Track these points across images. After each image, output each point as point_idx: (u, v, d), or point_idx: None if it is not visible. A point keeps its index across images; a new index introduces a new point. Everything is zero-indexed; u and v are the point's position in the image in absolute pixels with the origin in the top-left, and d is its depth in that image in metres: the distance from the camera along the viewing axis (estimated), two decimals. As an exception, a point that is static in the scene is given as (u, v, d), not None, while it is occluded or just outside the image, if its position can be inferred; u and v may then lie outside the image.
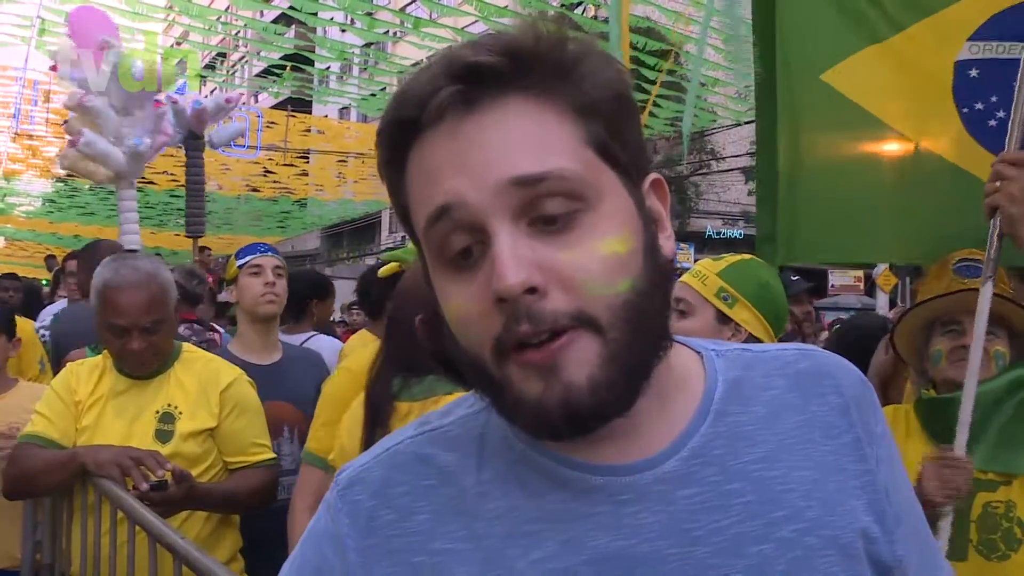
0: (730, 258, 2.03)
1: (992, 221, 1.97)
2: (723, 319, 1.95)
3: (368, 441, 1.85)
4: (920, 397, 2.10)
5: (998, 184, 1.93)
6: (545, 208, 0.66)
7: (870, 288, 12.71)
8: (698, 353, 0.81)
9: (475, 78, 0.66)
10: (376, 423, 1.90)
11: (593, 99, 0.69)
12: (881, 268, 12.56)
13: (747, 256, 2.04)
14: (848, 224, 2.47)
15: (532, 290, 0.64)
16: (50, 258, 15.64)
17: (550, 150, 0.67)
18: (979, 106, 2.37)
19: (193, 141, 5.50)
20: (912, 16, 2.41)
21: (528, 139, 0.67)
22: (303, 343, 3.67)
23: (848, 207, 2.46)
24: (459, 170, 0.66)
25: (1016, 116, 2.05)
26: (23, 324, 3.64)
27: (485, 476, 0.75)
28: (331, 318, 6.14)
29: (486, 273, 0.66)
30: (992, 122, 2.35)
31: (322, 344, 3.75)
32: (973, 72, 2.37)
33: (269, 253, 3.18)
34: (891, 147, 2.47)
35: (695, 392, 0.77)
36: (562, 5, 8.13)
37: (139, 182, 16.71)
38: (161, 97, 5.52)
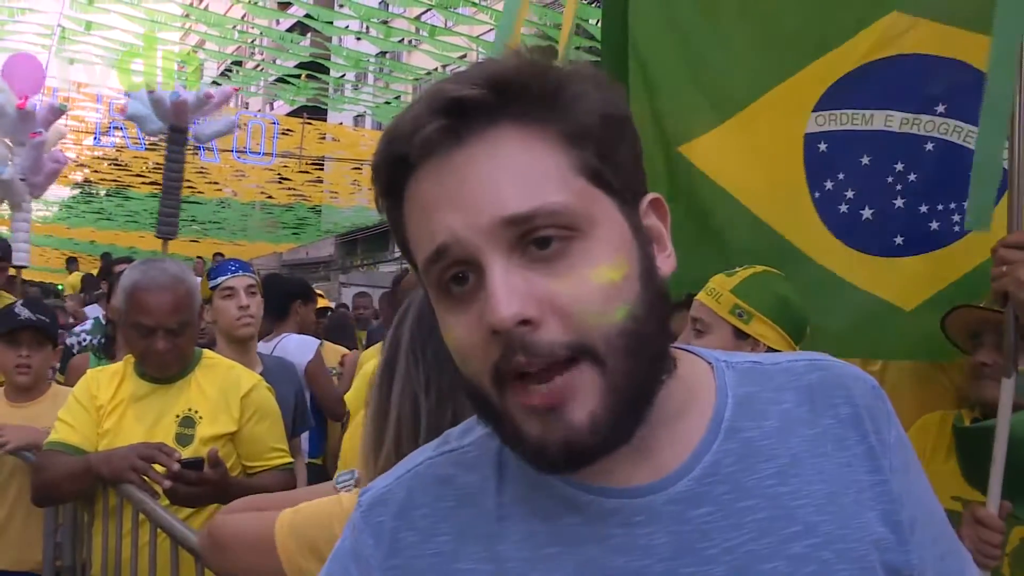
0: (743, 272, 1.99)
1: (1007, 309, 1.79)
2: (740, 335, 1.93)
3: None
4: (954, 424, 2.01)
5: (1004, 269, 1.76)
6: (536, 237, 0.66)
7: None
8: (709, 364, 0.80)
9: (460, 112, 0.66)
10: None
11: (582, 125, 0.68)
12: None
13: (759, 269, 2.00)
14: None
15: (526, 322, 0.64)
16: (71, 260, 15.77)
17: (540, 183, 0.66)
18: (829, 186, 2.22)
19: (175, 134, 5.34)
20: (761, 86, 2.26)
21: (517, 173, 0.66)
22: (273, 346, 3.76)
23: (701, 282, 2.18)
24: (451, 207, 0.66)
25: (1014, 196, 1.86)
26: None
27: (505, 499, 0.76)
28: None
29: (480, 304, 0.66)
30: (842, 207, 2.19)
31: (287, 345, 3.79)
32: (822, 146, 2.22)
33: (240, 273, 3.19)
34: (747, 228, 2.30)
35: (706, 407, 0.76)
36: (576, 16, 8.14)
37: (145, 185, 16.80)
38: (39, 127, 5.45)
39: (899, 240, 2.18)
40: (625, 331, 0.66)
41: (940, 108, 2.13)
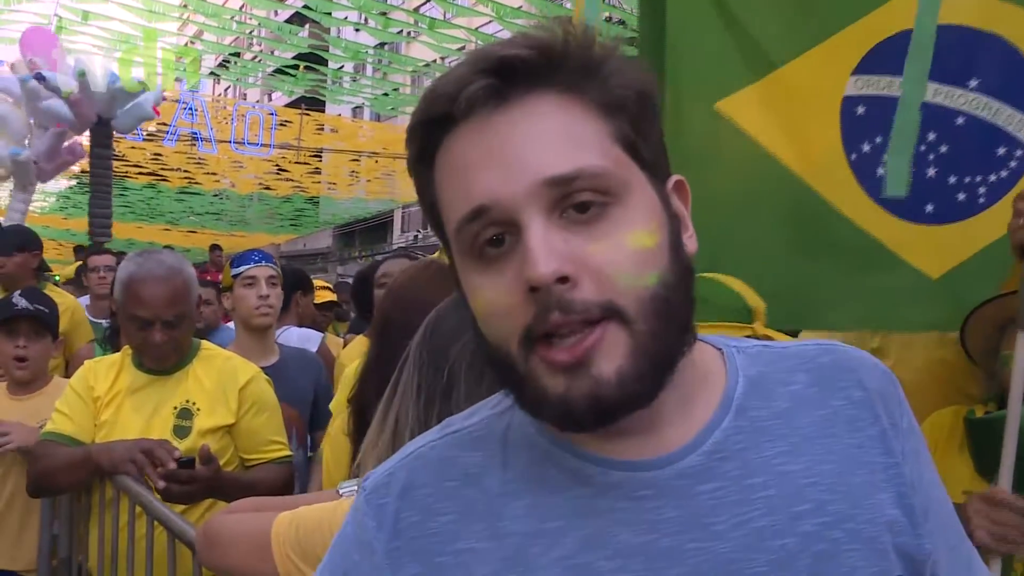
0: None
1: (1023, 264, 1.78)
2: None
3: (356, 451, 1.76)
4: (966, 416, 1.97)
5: (1021, 221, 1.77)
6: (576, 201, 0.67)
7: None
8: (719, 350, 0.81)
9: (507, 72, 0.67)
10: (362, 432, 1.71)
11: (619, 97, 0.70)
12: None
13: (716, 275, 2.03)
14: (743, 264, 2.16)
15: (563, 279, 0.65)
16: (79, 249, 15.71)
17: (580, 147, 0.67)
18: (866, 148, 2.20)
19: (97, 128, 5.28)
20: (801, 45, 2.24)
21: (558, 135, 0.67)
22: (275, 337, 3.72)
23: (737, 244, 2.21)
24: (491, 167, 0.67)
25: None
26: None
27: (509, 475, 0.76)
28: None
29: (517, 264, 0.66)
30: (880, 170, 2.17)
31: (290, 338, 3.77)
32: (860, 110, 2.21)
33: (263, 263, 3.20)
34: (784, 188, 2.27)
35: (716, 388, 0.77)
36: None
37: (154, 180, 16.79)
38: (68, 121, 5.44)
39: (929, 208, 2.19)
40: (656, 296, 0.67)
41: (973, 83, 2.14)
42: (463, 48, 10.36)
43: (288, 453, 2.59)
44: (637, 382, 0.66)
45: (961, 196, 2.16)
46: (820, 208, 2.25)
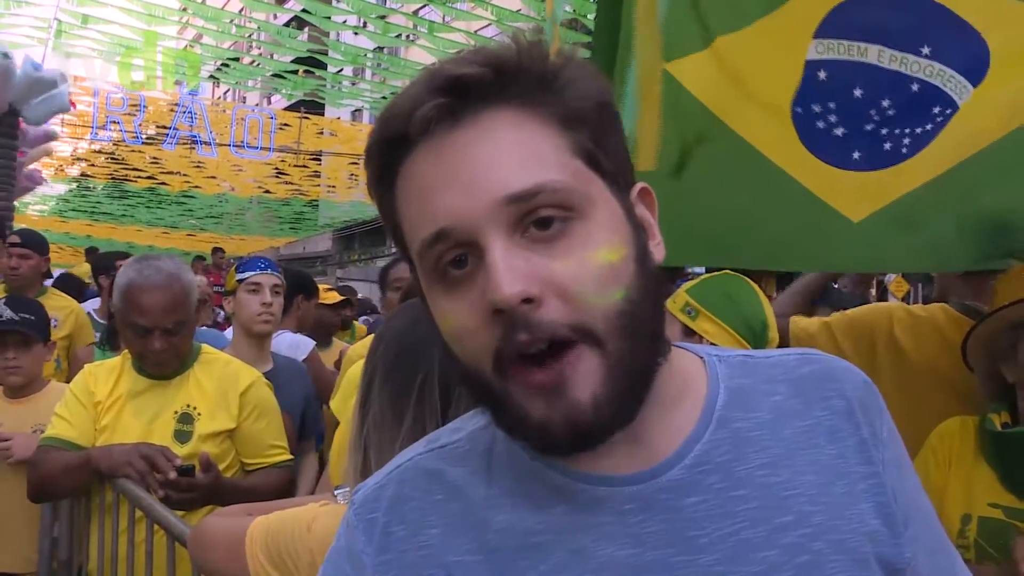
0: (706, 276, 2.06)
1: None
2: (688, 331, 1.97)
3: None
4: (984, 425, 1.93)
5: None
6: (537, 217, 0.66)
7: (882, 294, 12.58)
8: (700, 358, 0.81)
9: (460, 91, 0.67)
10: None
11: (577, 109, 0.69)
12: (892, 276, 12.41)
13: (722, 272, 2.05)
14: (704, 227, 2.25)
15: (528, 300, 0.64)
16: (91, 251, 15.71)
17: (539, 162, 0.67)
18: (816, 108, 2.22)
19: (5, 117, 5.11)
20: (761, 8, 2.23)
21: (516, 152, 0.66)
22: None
23: (696, 209, 2.25)
24: (451, 188, 0.66)
25: None
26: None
27: (494, 490, 0.76)
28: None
29: (480, 286, 0.66)
30: (819, 123, 2.21)
31: (280, 344, 3.75)
32: (821, 74, 2.21)
33: (269, 271, 3.21)
34: (731, 151, 2.29)
35: (697, 398, 0.77)
36: (573, 10, 8.13)
37: (154, 184, 16.74)
38: (27, 146, 5.31)
39: (856, 155, 2.24)
40: (623, 312, 0.66)
41: (926, 50, 2.16)
42: (461, 52, 10.36)
43: (289, 457, 2.60)
44: (613, 405, 0.66)
45: (887, 145, 2.21)
46: (762, 165, 2.27)
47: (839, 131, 2.23)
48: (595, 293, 0.66)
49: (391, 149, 0.70)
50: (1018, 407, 1.90)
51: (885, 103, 2.20)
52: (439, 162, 0.67)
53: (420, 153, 0.68)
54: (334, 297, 4.62)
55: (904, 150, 2.19)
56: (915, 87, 2.17)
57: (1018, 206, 2.04)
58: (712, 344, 1.92)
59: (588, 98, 0.70)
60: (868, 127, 2.21)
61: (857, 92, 2.19)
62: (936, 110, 2.14)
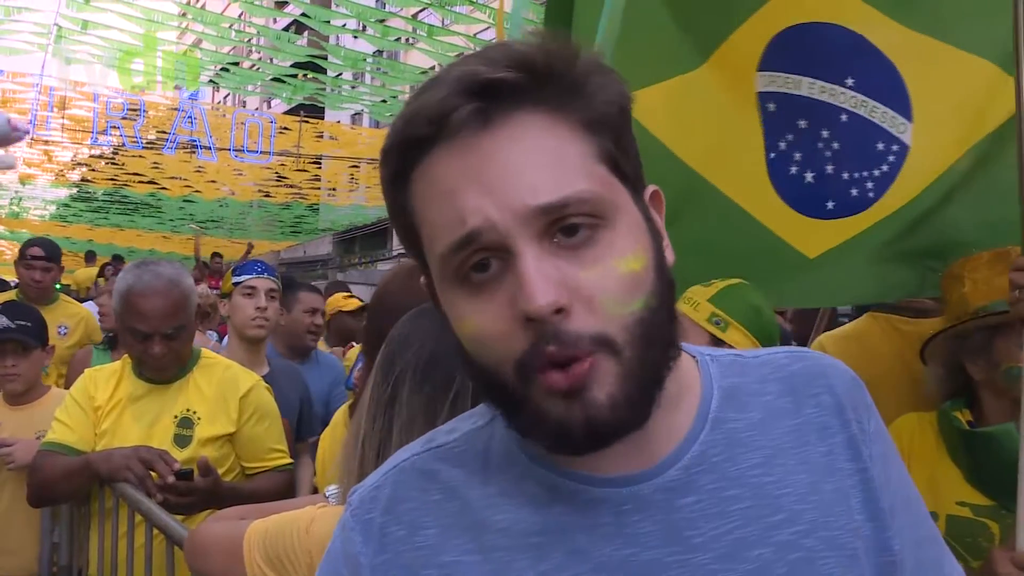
0: (719, 283, 2.05)
1: None
2: (717, 343, 1.98)
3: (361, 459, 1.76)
4: (949, 422, 1.91)
5: (1017, 293, 1.71)
6: (565, 224, 0.66)
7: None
8: (694, 358, 0.82)
9: (494, 95, 0.66)
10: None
11: (602, 113, 0.69)
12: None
13: (735, 281, 2.06)
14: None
15: (560, 310, 0.64)
16: (91, 255, 15.70)
17: (570, 170, 0.66)
18: (782, 146, 2.24)
19: None
20: (713, 43, 2.23)
21: (547, 159, 0.66)
22: None
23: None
24: (478, 190, 0.66)
25: None
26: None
27: (491, 490, 0.76)
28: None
29: (508, 291, 0.65)
30: (792, 169, 2.24)
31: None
32: (771, 106, 2.23)
33: (265, 275, 3.19)
34: (693, 191, 2.28)
35: (693, 399, 0.78)
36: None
37: (154, 188, 16.74)
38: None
39: (830, 205, 2.27)
40: (642, 321, 0.67)
41: (850, 81, 2.20)
42: (460, 55, 10.37)
43: (289, 461, 2.60)
44: (628, 408, 0.66)
45: (854, 191, 2.26)
46: (722, 204, 2.30)
47: (808, 177, 2.27)
48: (619, 302, 0.66)
49: (409, 151, 0.69)
50: (982, 405, 1.90)
51: (825, 134, 2.24)
52: (467, 165, 0.66)
53: (443, 154, 0.67)
54: (354, 304, 4.58)
55: (871, 194, 2.25)
56: (844, 117, 2.22)
57: (955, 235, 2.14)
58: None
59: (613, 103, 0.70)
60: (829, 168, 2.25)
61: (802, 123, 2.23)
62: (880, 147, 2.19)
